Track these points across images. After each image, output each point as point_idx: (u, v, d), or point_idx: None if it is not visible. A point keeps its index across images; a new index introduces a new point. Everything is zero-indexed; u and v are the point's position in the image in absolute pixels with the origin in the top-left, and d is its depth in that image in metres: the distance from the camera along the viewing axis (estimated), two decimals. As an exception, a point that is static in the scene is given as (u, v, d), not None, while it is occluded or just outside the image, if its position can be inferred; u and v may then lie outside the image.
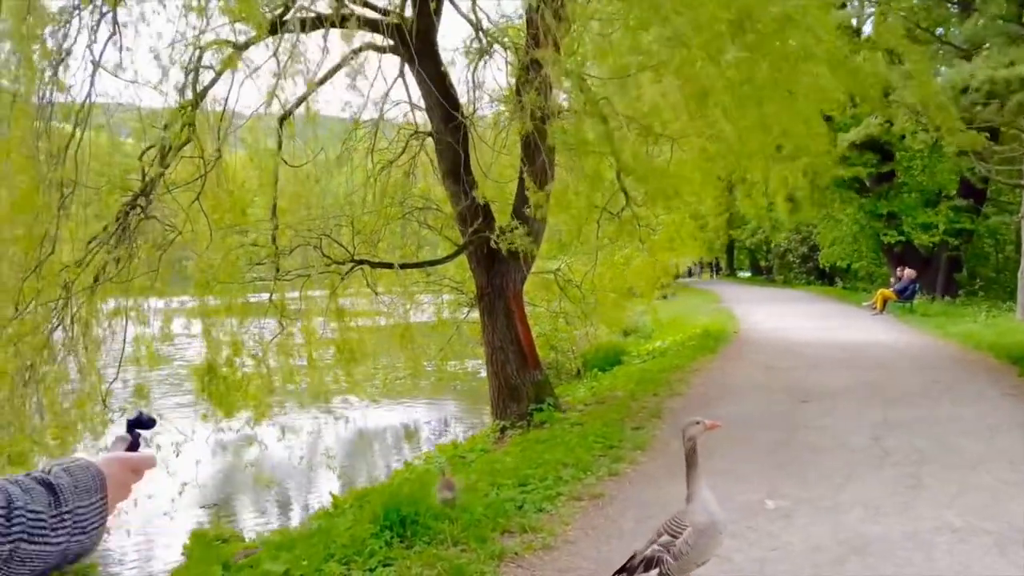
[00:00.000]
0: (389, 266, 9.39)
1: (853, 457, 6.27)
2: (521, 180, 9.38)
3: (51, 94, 7.52)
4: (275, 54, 8.34)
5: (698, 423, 3.54)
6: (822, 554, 4.23)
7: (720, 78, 7.21)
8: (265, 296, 9.67)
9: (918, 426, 7.34)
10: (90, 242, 8.12)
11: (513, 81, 9.53)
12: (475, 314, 11.87)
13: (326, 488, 9.48)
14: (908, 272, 20.08)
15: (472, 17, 9.79)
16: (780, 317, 19.50)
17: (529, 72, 8.45)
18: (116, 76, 7.86)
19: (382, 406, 13.50)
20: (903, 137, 21.30)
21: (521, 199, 9.13)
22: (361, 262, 9.33)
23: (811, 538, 4.45)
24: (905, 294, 19.92)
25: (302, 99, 9.56)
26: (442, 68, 9.22)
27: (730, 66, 6.93)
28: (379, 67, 12.77)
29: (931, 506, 4.98)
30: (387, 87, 10.01)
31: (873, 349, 13.25)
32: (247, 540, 6.74)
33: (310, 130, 10.63)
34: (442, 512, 4.79)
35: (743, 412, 8.22)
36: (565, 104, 9.41)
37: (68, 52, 7.69)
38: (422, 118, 10.30)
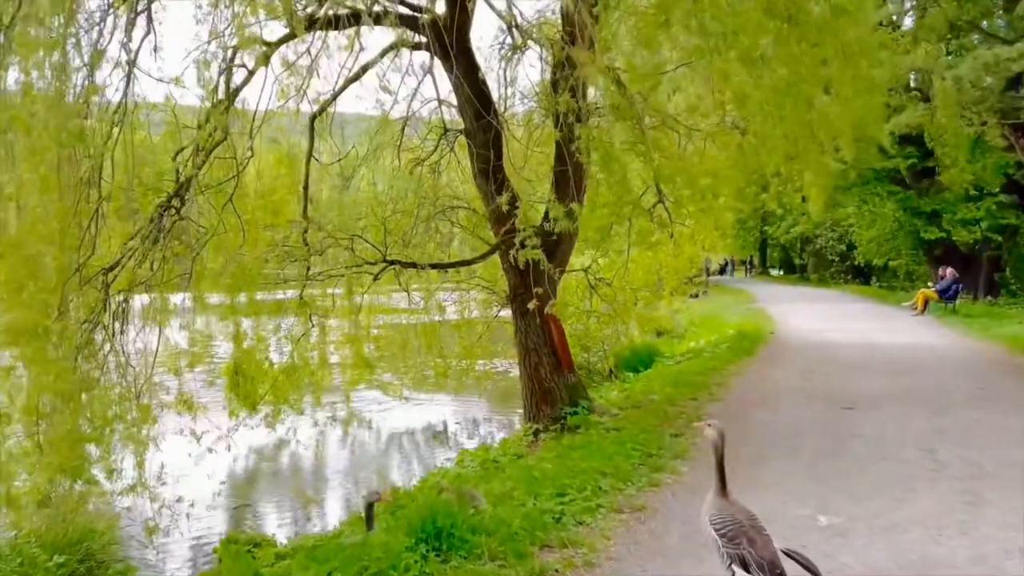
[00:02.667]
0: (421, 266, 9.25)
1: (905, 470, 6.00)
2: (554, 182, 9.20)
3: (86, 95, 7.50)
4: (309, 51, 8.26)
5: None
6: (882, 578, 4.00)
7: (758, 82, 6.94)
8: (291, 294, 9.62)
9: (970, 436, 7.03)
10: (127, 242, 8.09)
11: (547, 78, 9.35)
12: (503, 313, 11.71)
13: (357, 488, 9.40)
14: (950, 271, 19.50)
15: (505, 14, 9.63)
16: (817, 318, 19.07)
17: (564, 69, 8.24)
18: (151, 76, 7.85)
19: (411, 404, 13.43)
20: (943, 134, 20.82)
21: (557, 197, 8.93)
22: (393, 263, 9.21)
23: (870, 560, 4.22)
24: (947, 294, 19.35)
25: (334, 97, 9.48)
26: (475, 65, 9.04)
27: (771, 69, 6.68)
28: (410, 64, 12.64)
29: (996, 526, 4.71)
30: (417, 85, 9.81)
31: (916, 352, 12.85)
32: (279, 546, 6.66)
33: (340, 129, 10.55)
34: (479, 525, 4.63)
35: (786, 420, 7.96)
36: (600, 102, 9.20)
37: (103, 52, 7.65)
38: (450, 116, 10.13)
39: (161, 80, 7.89)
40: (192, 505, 8.12)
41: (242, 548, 5.69)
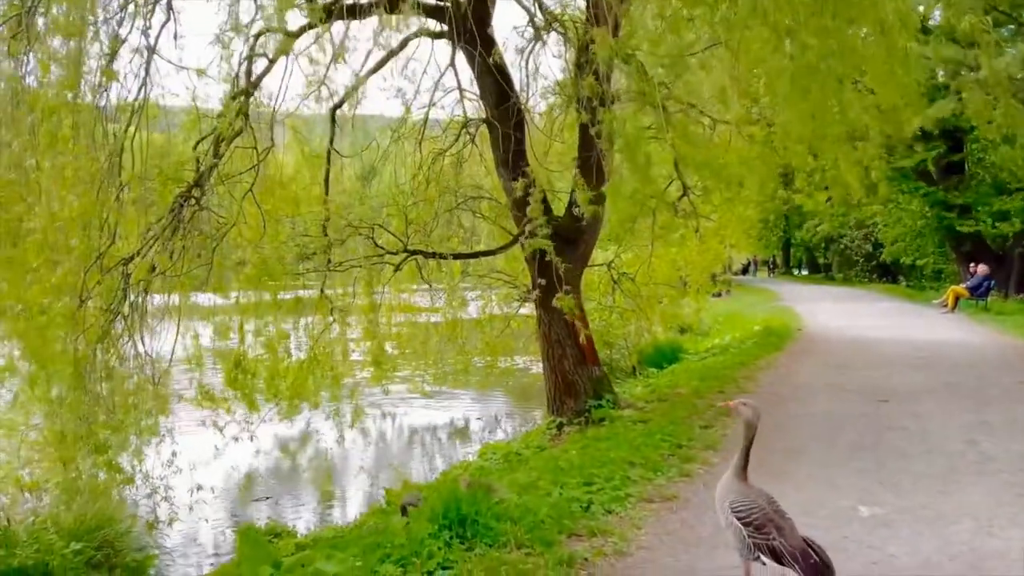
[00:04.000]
0: (443, 256, 9.10)
1: (949, 462, 5.74)
2: (577, 169, 9.02)
3: (106, 85, 7.44)
4: (331, 35, 8.15)
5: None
6: (933, 570, 3.77)
7: (786, 60, 6.71)
8: (311, 292, 9.54)
9: (1014, 429, 6.74)
10: (147, 232, 8.01)
11: (569, 67, 9.19)
12: (525, 309, 11.54)
13: (378, 483, 9.27)
14: (982, 268, 19.01)
15: (526, 3, 9.48)
16: (845, 315, 18.69)
17: (588, 51, 8.06)
18: (171, 63, 7.78)
19: (434, 401, 13.30)
20: (972, 128, 20.34)
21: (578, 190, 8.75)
22: (414, 252, 9.08)
23: (918, 551, 3.99)
24: (979, 291, 18.87)
25: (356, 87, 9.36)
26: (497, 51, 8.90)
27: (800, 44, 6.47)
28: (431, 54, 12.36)
29: (1049, 518, 4.46)
30: (439, 75, 9.66)
31: (949, 349, 12.49)
32: (299, 536, 6.54)
33: (361, 124, 10.42)
34: (504, 513, 4.45)
35: (821, 412, 7.71)
36: (623, 87, 9.01)
37: (123, 40, 7.59)
38: (472, 108, 9.99)
39: (182, 68, 7.82)
40: (215, 496, 8.03)
41: (262, 537, 5.55)
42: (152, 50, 7.32)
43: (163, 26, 7.51)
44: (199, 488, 7.47)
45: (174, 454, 7.19)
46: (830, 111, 7.93)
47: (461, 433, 12.36)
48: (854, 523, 4.44)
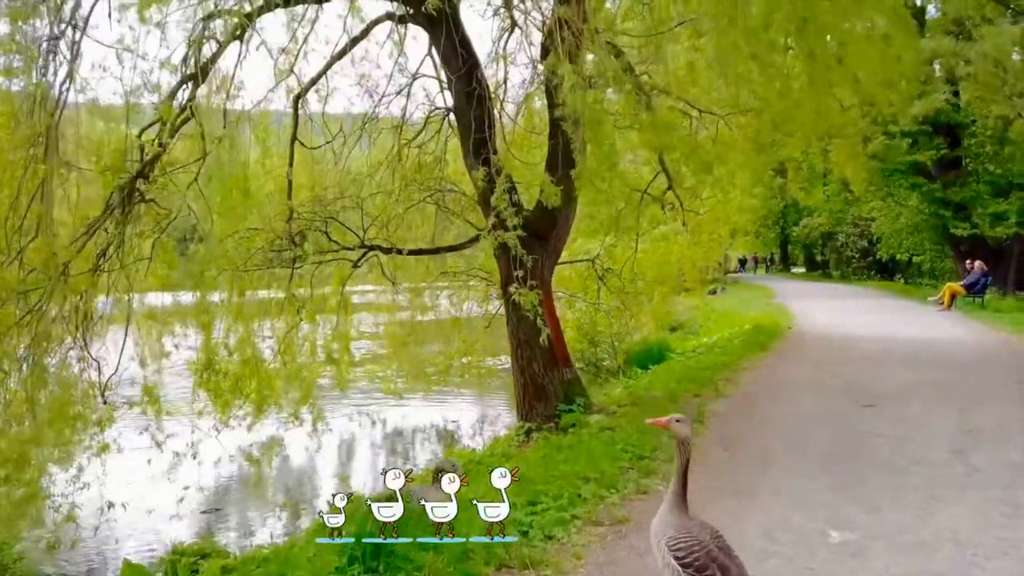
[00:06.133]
0: (400, 252, 8.60)
1: (933, 475, 5.24)
2: (547, 158, 8.53)
3: (46, 66, 6.95)
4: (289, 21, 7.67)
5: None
6: (906, 610, 3.27)
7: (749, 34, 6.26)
8: (274, 294, 9.06)
9: (1006, 436, 6.24)
10: (89, 227, 7.50)
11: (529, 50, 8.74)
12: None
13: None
14: (978, 264, 18.50)
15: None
16: (838, 312, 18.19)
17: (557, 34, 7.56)
18: (101, 43, 7.27)
19: (420, 404, 12.84)
20: (973, 121, 19.84)
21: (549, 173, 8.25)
22: (372, 248, 8.57)
23: (890, 586, 3.49)
24: (975, 288, 18.35)
25: (320, 74, 8.88)
26: (464, 35, 8.43)
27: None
28: (402, 41, 11.76)
29: (1042, 543, 3.96)
30: (409, 65, 9.17)
31: (942, 347, 11.99)
32: (231, 556, 6.04)
33: (330, 118, 9.91)
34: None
35: (799, 417, 7.21)
36: (596, 71, 8.51)
37: (71, 24, 7.08)
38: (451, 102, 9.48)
39: (124, 49, 7.31)
40: (152, 511, 7.52)
41: (146, 571, 5.02)
42: (79, 27, 6.79)
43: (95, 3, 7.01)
44: (111, 506, 6.92)
45: (79, 468, 6.67)
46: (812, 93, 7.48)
47: (442, 438, 11.88)
48: (822, 551, 3.93)
